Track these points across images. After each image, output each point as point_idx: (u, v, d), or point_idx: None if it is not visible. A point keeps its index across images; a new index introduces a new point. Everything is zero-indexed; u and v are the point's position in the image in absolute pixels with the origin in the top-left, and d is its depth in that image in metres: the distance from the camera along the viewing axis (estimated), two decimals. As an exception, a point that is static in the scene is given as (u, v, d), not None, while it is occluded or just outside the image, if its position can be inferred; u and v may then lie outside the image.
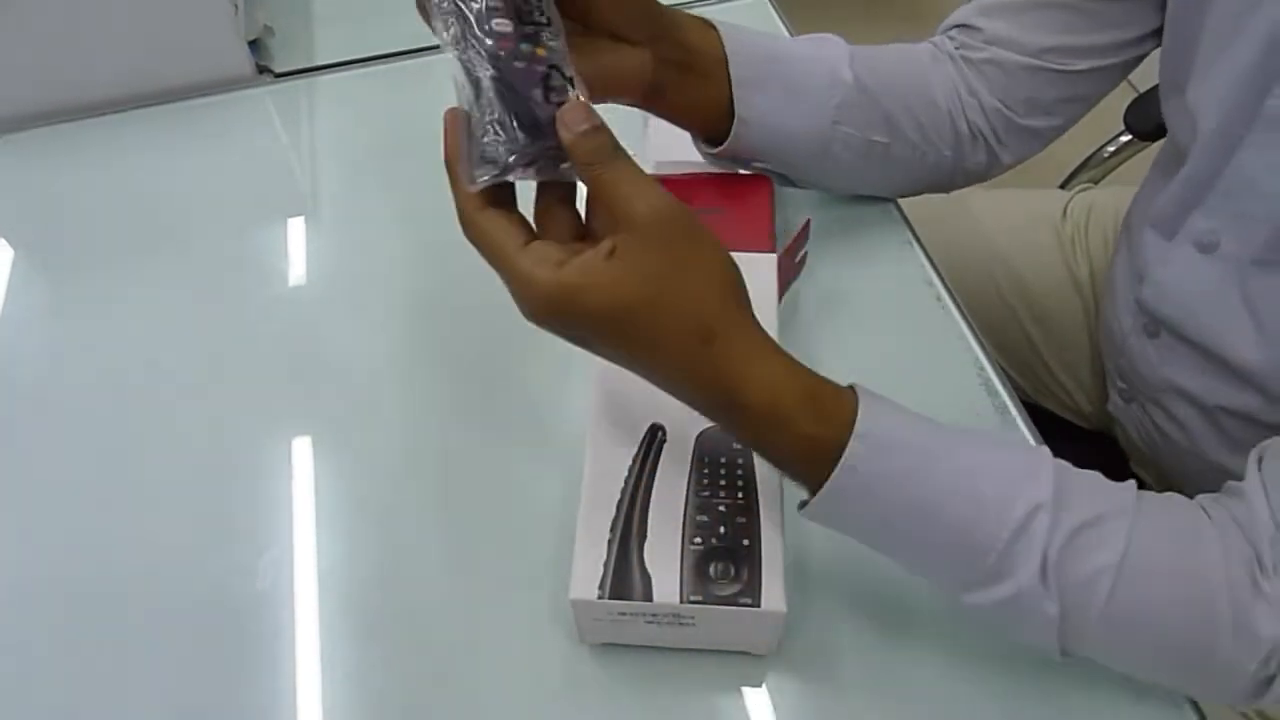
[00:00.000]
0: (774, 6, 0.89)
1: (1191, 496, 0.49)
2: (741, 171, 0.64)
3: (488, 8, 0.43)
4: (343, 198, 0.76)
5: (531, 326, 0.43)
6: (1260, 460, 0.49)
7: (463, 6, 0.43)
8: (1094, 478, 0.47)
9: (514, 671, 0.52)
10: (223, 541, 0.57)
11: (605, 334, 0.43)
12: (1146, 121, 0.93)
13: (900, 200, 0.72)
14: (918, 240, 0.69)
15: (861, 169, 0.65)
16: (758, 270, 0.58)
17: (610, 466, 0.50)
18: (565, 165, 0.44)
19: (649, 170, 0.58)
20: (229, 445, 0.61)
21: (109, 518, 0.59)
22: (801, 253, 0.63)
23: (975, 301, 0.88)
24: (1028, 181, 0.99)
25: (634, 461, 0.50)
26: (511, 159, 0.43)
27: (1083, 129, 1.05)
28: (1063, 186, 1.04)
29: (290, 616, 0.54)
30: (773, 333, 0.55)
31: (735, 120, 0.59)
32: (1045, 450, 0.48)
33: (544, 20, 0.44)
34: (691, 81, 0.57)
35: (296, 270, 0.71)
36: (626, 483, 0.50)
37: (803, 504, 0.46)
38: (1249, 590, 0.44)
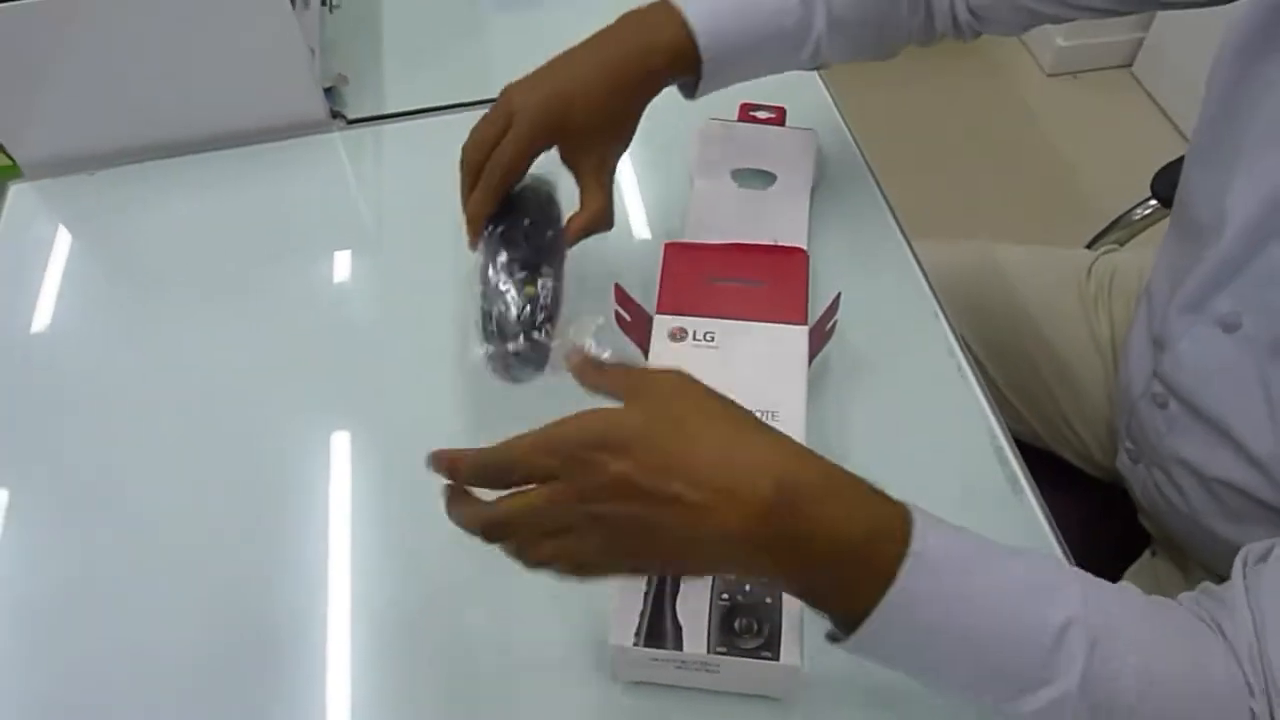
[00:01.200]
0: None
1: (1192, 556, 0.51)
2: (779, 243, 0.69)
3: (509, 259, 0.62)
4: (405, 236, 0.81)
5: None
6: (1245, 565, 0.50)
7: (492, 246, 0.63)
8: (1110, 587, 0.48)
9: (552, 703, 0.57)
10: (262, 563, 0.63)
11: (664, 475, 0.42)
12: (1173, 190, 0.96)
13: (931, 256, 0.77)
14: (943, 311, 0.74)
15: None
16: (791, 341, 0.64)
17: None
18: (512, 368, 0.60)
19: (689, 239, 0.65)
20: (290, 466, 0.68)
21: (159, 522, 0.65)
22: (831, 322, 0.67)
23: (999, 354, 0.93)
24: (1056, 239, 1.03)
25: None
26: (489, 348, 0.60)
27: (1112, 191, 1.09)
28: (1089, 246, 1.07)
29: (322, 645, 0.59)
30: (801, 400, 0.60)
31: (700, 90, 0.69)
32: (1063, 562, 0.50)
33: (538, 272, 0.61)
34: None
35: (361, 303, 0.77)
36: None
37: (831, 635, 0.46)
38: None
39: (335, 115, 0.89)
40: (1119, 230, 1.05)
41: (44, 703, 0.58)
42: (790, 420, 0.60)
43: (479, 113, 0.89)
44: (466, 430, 0.67)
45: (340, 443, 0.69)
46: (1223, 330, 0.63)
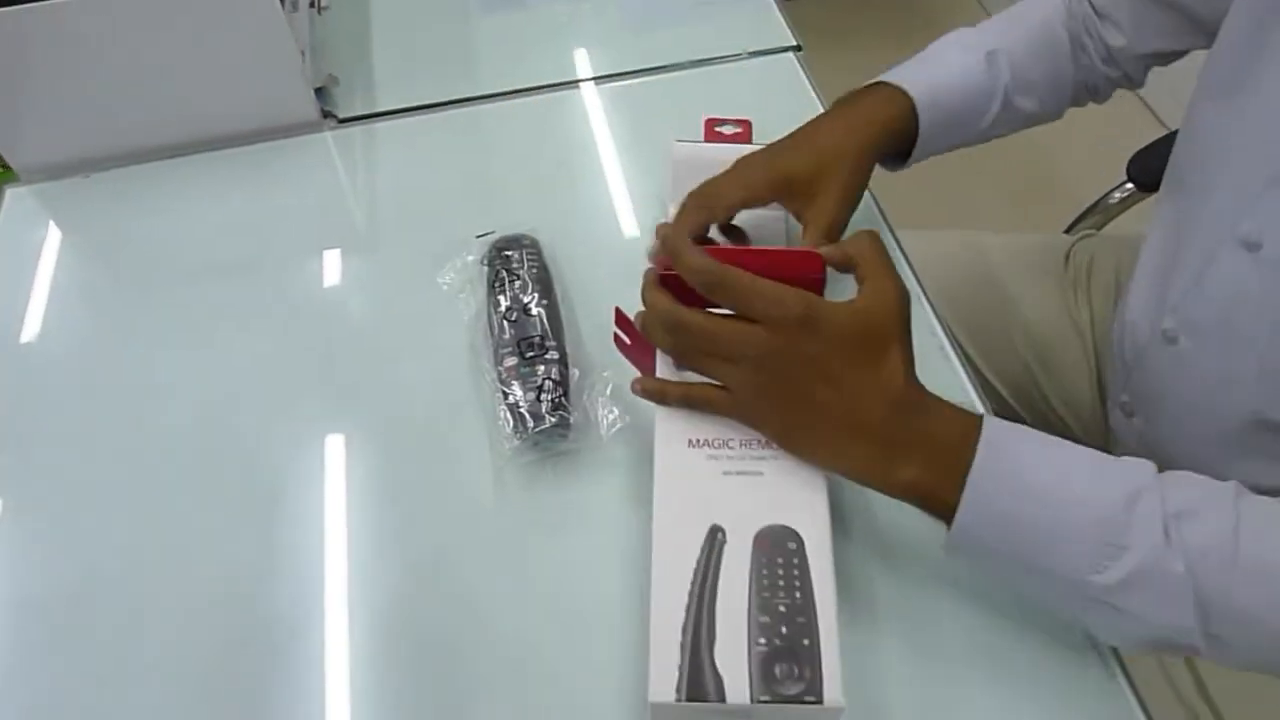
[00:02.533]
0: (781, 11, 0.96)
1: None
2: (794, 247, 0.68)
3: (515, 338, 0.68)
4: (399, 234, 0.83)
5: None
6: None
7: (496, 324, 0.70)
8: (1185, 474, 0.53)
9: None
10: (258, 566, 0.63)
11: (841, 352, 0.53)
12: (1148, 174, 0.99)
13: (914, 245, 0.79)
14: (925, 295, 0.76)
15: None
16: None
17: (676, 570, 0.53)
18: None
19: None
20: (287, 468, 0.68)
21: (157, 525, 0.66)
22: None
23: (981, 337, 0.95)
24: (1036, 226, 1.05)
25: (698, 564, 0.53)
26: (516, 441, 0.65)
27: (1090, 178, 1.12)
28: (1067, 231, 1.10)
29: (320, 647, 0.60)
30: None
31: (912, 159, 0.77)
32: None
33: (544, 350, 0.67)
34: None
35: (356, 301, 0.78)
36: (693, 585, 0.52)
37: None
38: None
39: (326, 115, 0.90)
40: (1096, 215, 1.07)
41: (42, 707, 0.59)
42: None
43: (470, 109, 0.92)
44: (461, 429, 0.69)
45: (335, 444, 0.70)
46: (1246, 250, 0.64)
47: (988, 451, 0.51)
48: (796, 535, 0.54)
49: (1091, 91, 0.85)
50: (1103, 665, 0.58)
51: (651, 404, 0.59)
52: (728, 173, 0.71)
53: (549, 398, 0.65)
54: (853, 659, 0.50)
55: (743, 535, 0.54)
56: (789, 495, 0.55)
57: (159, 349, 0.76)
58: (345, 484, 0.67)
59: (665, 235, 0.56)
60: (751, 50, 0.96)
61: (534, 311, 0.69)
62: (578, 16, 1.02)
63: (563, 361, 0.67)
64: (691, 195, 0.71)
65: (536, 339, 0.68)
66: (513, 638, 0.60)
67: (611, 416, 0.66)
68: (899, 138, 0.75)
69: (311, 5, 0.95)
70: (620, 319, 0.63)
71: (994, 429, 0.52)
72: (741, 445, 0.57)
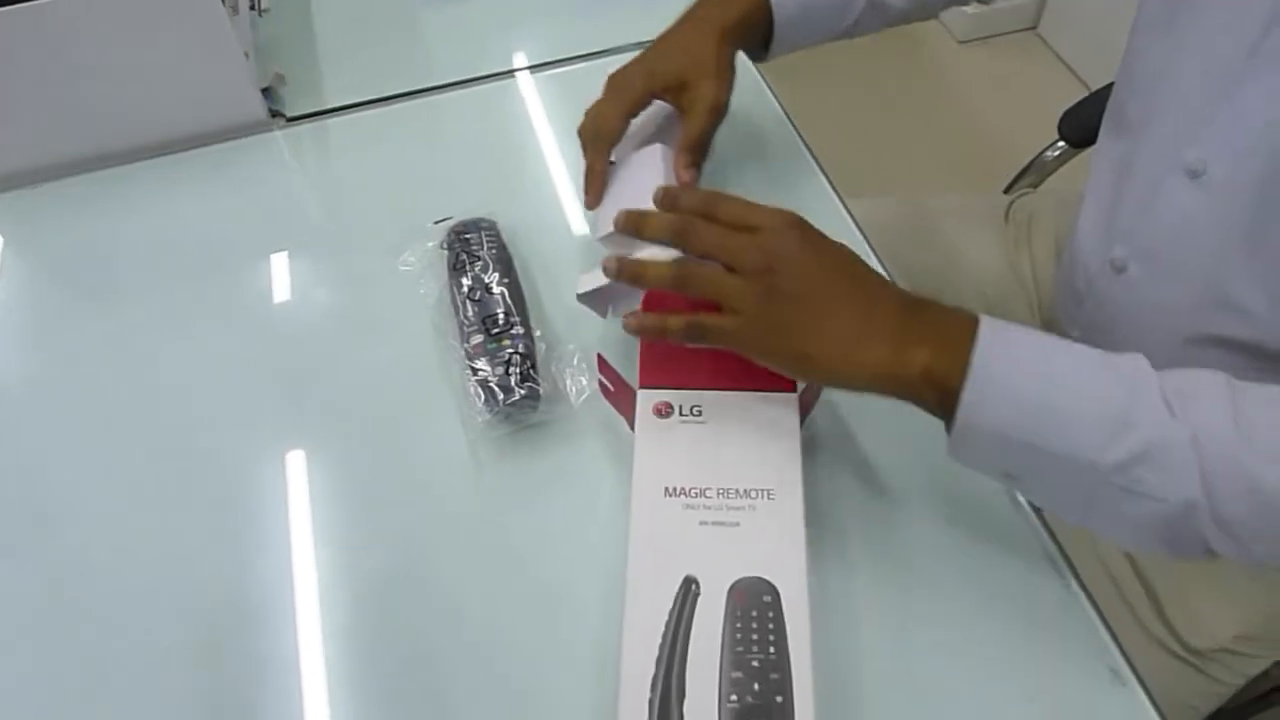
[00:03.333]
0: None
1: None
2: None
3: (480, 316, 0.70)
4: (354, 229, 0.83)
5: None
6: None
7: (459, 304, 0.72)
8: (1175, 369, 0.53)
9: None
10: (219, 576, 0.63)
11: (840, 252, 0.57)
12: (1079, 131, 1.03)
13: (862, 212, 0.82)
14: (877, 257, 0.78)
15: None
16: (782, 409, 0.61)
17: (648, 621, 0.52)
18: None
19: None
20: (247, 476, 0.68)
21: (126, 530, 0.66)
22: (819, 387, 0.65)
23: (931, 296, 0.98)
24: (975, 187, 1.08)
25: (670, 616, 0.52)
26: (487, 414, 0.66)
27: (1026, 140, 1.16)
28: (1006, 191, 1.13)
29: (289, 665, 0.60)
30: (797, 478, 0.58)
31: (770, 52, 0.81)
32: None
33: (509, 326, 0.69)
34: None
35: (312, 298, 0.79)
36: (664, 638, 0.51)
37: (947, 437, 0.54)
38: None
39: (275, 114, 0.91)
40: (1033, 174, 1.11)
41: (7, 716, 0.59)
42: (785, 500, 0.57)
43: (420, 101, 0.93)
44: (433, 408, 0.70)
45: (307, 433, 0.70)
46: (1190, 178, 0.67)
47: (992, 336, 0.52)
48: (772, 588, 0.53)
49: None
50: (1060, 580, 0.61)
51: (631, 426, 0.60)
52: (612, 86, 0.75)
53: (517, 371, 0.66)
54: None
55: (717, 587, 0.53)
56: (766, 546, 0.55)
57: (111, 360, 0.75)
58: (321, 471, 0.68)
59: (666, 192, 0.61)
60: (692, 31, 0.98)
61: (496, 290, 0.71)
62: (517, 5, 1.04)
63: (528, 336, 0.69)
64: (608, 82, 0.76)
65: (501, 316, 0.69)
66: (495, 607, 0.61)
67: (580, 385, 0.68)
68: (757, 30, 0.80)
69: (252, 8, 0.95)
70: (603, 367, 0.64)
71: (993, 320, 0.54)
72: (719, 495, 0.56)
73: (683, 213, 0.59)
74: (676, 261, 0.59)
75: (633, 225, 0.61)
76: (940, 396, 0.53)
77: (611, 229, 0.63)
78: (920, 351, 0.53)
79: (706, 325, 0.57)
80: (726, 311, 0.56)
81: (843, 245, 0.58)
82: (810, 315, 0.55)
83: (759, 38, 0.80)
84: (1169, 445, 0.50)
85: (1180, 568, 0.77)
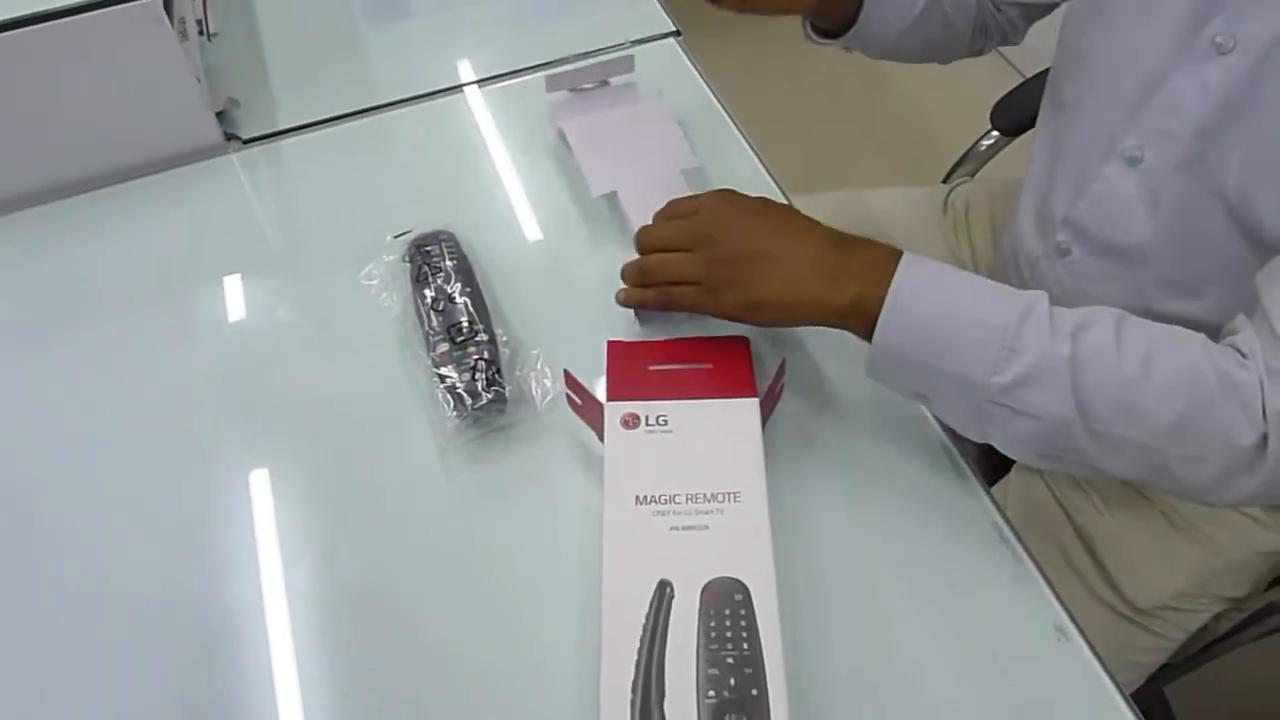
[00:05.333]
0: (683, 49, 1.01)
1: None
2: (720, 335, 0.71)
3: (445, 325, 0.72)
4: (313, 248, 0.85)
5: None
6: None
7: (425, 314, 0.74)
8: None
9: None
10: (181, 604, 0.64)
11: (767, 205, 0.68)
12: (1009, 120, 1.07)
13: (805, 207, 0.83)
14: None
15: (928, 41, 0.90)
16: (743, 414, 0.65)
17: (626, 625, 0.55)
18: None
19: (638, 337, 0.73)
20: (211, 486, 0.70)
21: (87, 553, 0.67)
22: (780, 385, 0.68)
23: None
24: (915, 179, 1.12)
25: (647, 619, 0.55)
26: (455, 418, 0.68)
27: (960, 131, 1.20)
28: (944, 181, 1.18)
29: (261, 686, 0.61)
30: (761, 481, 0.61)
31: (857, 26, 0.86)
32: None
33: (474, 333, 0.71)
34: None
35: (281, 312, 0.80)
36: (643, 640, 0.54)
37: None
38: (1233, 359, 0.58)
39: (230, 137, 0.92)
40: (969, 163, 1.15)
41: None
42: (751, 501, 0.60)
43: (371, 119, 0.95)
44: (402, 417, 0.71)
45: (266, 465, 0.71)
46: (1128, 165, 0.71)
47: (907, 269, 0.61)
48: (743, 586, 0.56)
49: (985, 35, 0.92)
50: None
51: (600, 438, 0.64)
52: None
53: (484, 376, 0.68)
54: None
55: (691, 589, 0.56)
56: (735, 548, 0.58)
57: (73, 392, 0.75)
58: (293, 484, 0.70)
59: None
60: (634, 39, 1.01)
61: (459, 299, 0.73)
62: (462, 20, 1.06)
63: (492, 342, 0.71)
64: None
65: (465, 324, 0.72)
66: (471, 610, 0.63)
67: (545, 388, 0.70)
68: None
69: (201, 33, 0.96)
70: (570, 383, 0.66)
71: (913, 256, 0.62)
72: (688, 500, 0.60)
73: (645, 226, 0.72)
74: (639, 260, 0.71)
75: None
76: (864, 323, 0.61)
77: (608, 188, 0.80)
78: (851, 283, 0.62)
79: (673, 294, 0.69)
80: (686, 283, 0.67)
81: (770, 200, 0.69)
82: (753, 268, 0.65)
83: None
84: (1048, 367, 0.57)
85: (1123, 533, 0.82)
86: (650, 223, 0.73)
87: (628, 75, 0.88)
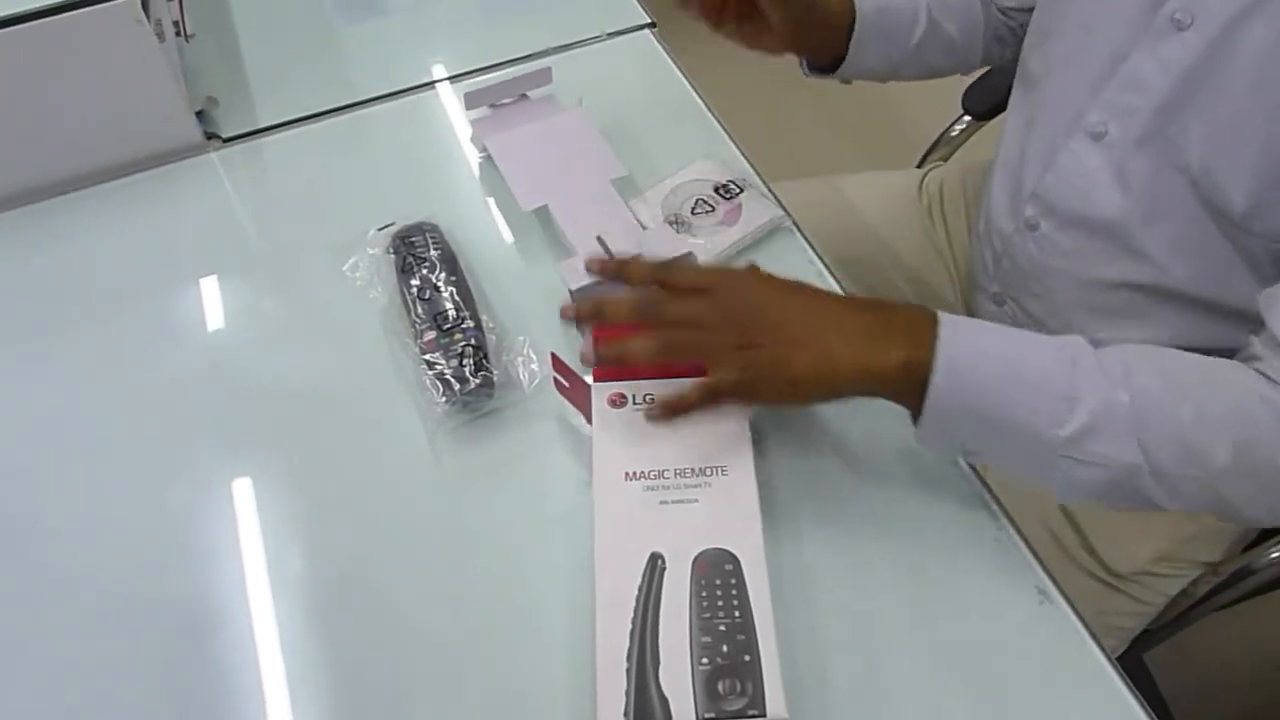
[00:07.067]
0: (657, 39, 1.02)
1: None
2: None
3: (432, 313, 0.73)
4: (298, 239, 0.85)
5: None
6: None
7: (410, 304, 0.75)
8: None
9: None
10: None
11: (780, 279, 0.64)
12: (980, 104, 1.09)
13: (784, 194, 0.86)
14: (798, 229, 0.83)
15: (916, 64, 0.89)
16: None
17: (619, 598, 0.56)
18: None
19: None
20: (203, 478, 0.70)
21: (74, 550, 0.67)
22: None
23: (854, 268, 1.03)
24: (890, 164, 1.14)
25: (639, 591, 0.56)
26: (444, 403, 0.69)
27: (934, 116, 1.22)
28: (919, 166, 1.19)
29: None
30: (749, 456, 0.62)
31: (845, 65, 0.85)
32: None
33: (460, 321, 0.72)
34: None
35: (266, 307, 0.80)
36: (636, 612, 0.55)
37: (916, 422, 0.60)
38: (1270, 386, 0.58)
39: (210, 137, 0.93)
40: (942, 148, 1.17)
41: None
42: (739, 474, 0.61)
43: (349, 116, 0.95)
44: (390, 406, 0.72)
45: (257, 458, 0.72)
46: (1093, 140, 0.73)
47: (952, 328, 0.58)
48: (733, 556, 0.57)
49: (1000, 42, 0.92)
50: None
51: (588, 420, 0.65)
52: None
53: (471, 362, 0.69)
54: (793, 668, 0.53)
55: (682, 560, 0.57)
56: (724, 519, 0.59)
57: (56, 395, 0.75)
58: (284, 475, 0.70)
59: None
60: (609, 31, 1.02)
61: (445, 288, 0.74)
62: (438, 16, 1.07)
63: (479, 329, 0.72)
64: None
65: (451, 312, 0.72)
66: (464, 591, 0.64)
67: (531, 372, 0.71)
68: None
69: (178, 33, 0.97)
70: (557, 365, 0.67)
71: (947, 314, 0.59)
72: (676, 475, 0.61)
73: (636, 283, 0.66)
74: (656, 335, 0.63)
75: (597, 303, 0.66)
76: (915, 386, 0.58)
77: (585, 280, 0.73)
78: (895, 349, 0.59)
79: (712, 387, 0.62)
80: (711, 369, 0.62)
81: (792, 279, 0.64)
82: (785, 349, 0.60)
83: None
84: (1110, 415, 0.57)
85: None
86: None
87: (546, 87, 0.88)
